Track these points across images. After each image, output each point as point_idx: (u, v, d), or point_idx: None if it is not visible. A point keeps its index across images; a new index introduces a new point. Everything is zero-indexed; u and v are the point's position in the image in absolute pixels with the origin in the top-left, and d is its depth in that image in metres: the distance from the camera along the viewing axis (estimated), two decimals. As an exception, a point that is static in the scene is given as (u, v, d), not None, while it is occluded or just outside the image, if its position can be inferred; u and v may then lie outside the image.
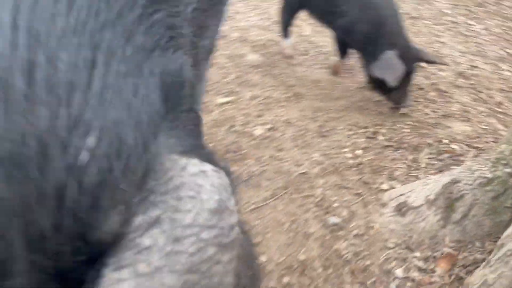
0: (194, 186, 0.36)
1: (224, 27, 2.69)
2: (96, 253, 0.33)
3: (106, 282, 0.32)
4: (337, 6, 2.16)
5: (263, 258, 1.38)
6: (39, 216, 0.31)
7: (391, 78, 1.92)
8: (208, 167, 0.39)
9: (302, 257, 1.40)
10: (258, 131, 1.93)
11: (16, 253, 0.31)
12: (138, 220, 0.34)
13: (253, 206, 1.56)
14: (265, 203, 1.58)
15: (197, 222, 0.35)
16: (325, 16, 2.30)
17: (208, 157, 0.46)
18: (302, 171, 1.74)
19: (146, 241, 0.33)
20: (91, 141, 0.32)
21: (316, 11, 2.35)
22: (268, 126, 1.97)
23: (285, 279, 1.33)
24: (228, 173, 0.43)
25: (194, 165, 0.38)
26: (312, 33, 3.04)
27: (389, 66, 1.96)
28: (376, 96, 2.21)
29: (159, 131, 0.38)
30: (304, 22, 3.04)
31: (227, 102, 2.10)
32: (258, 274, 0.58)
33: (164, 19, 0.46)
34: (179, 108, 0.46)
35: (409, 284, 1.34)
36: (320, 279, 1.34)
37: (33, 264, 0.31)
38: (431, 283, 1.33)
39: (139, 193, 0.35)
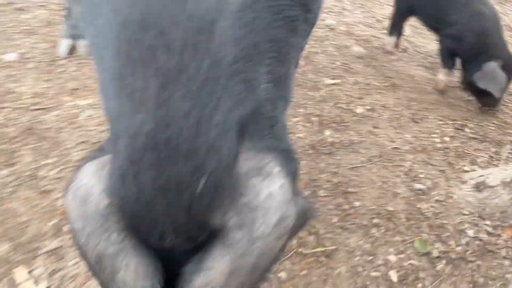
0: (265, 207, 0.61)
1: (333, 21, 3.06)
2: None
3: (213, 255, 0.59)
4: (447, 15, 2.42)
5: (357, 203, 1.75)
6: (178, 198, 0.56)
7: (496, 90, 2.14)
8: (276, 185, 0.62)
9: (389, 208, 1.75)
10: (359, 110, 2.29)
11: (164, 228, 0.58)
12: (232, 220, 0.61)
13: (351, 166, 1.93)
14: (362, 165, 1.94)
15: (266, 229, 0.63)
16: (435, 23, 2.57)
17: (282, 156, 0.69)
18: (395, 146, 2.08)
19: (238, 234, 0.62)
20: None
21: (426, 19, 2.62)
22: (368, 107, 2.32)
23: (375, 220, 1.69)
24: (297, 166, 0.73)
25: (266, 186, 0.61)
26: (412, 34, 3.31)
27: (493, 77, 2.18)
28: (467, 96, 2.46)
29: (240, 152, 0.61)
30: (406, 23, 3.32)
31: (333, 84, 2.48)
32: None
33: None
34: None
35: (477, 242, 1.64)
36: (402, 226, 1.69)
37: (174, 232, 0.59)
38: (496, 244, 1.63)
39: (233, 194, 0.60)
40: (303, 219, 0.79)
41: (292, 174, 0.74)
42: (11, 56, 2.07)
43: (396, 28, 2.85)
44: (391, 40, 2.89)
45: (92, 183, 0.66)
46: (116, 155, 0.62)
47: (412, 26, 3.47)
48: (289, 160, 0.75)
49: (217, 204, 0.64)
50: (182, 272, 0.68)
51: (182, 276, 0.68)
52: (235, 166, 0.64)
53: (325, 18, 3.21)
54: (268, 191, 0.64)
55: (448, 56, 2.53)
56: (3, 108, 1.86)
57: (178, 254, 0.68)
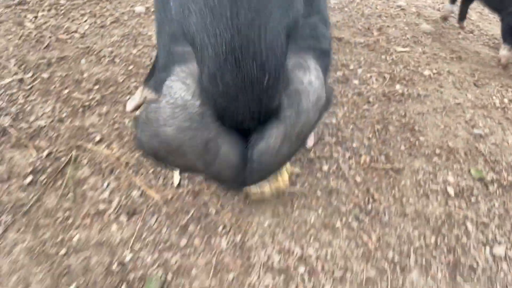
0: (306, 91, 0.88)
1: (404, 3, 3.37)
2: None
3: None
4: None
5: (422, 138, 2.07)
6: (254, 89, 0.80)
7: None
8: (313, 76, 0.86)
9: (450, 144, 2.06)
10: (426, 72, 2.59)
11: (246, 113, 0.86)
12: (284, 102, 0.89)
13: (418, 112, 2.25)
14: (427, 112, 2.26)
15: (307, 106, 0.95)
16: (496, 4, 2.82)
17: (318, 54, 0.89)
18: (457, 102, 2.37)
19: (288, 111, 0.93)
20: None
21: (489, 1, 2.88)
22: (434, 71, 2.62)
23: (437, 151, 2.01)
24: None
25: (307, 77, 0.86)
26: (478, 19, 3.54)
27: None
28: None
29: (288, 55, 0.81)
30: (473, 11, 3.56)
31: (404, 51, 2.79)
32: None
33: None
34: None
35: (527, 175, 1.92)
36: (461, 158, 2.00)
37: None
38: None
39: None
40: (330, 100, 1.14)
41: (325, 67, 1.03)
42: (139, 9, 2.57)
43: (462, 12, 3.12)
44: (450, 7, 3.17)
45: (183, 92, 0.89)
46: (204, 64, 0.82)
47: (479, 13, 3.70)
48: (323, 57, 1.01)
49: (276, 92, 0.90)
50: (249, 142, 0.96)
51: (249, 144, 0.96)
52: (285, 63, 0.86)
53: (397, 0, 3.52)
54: (308, 80, 0.91)
55: (510, 33, 2.77)
56: (136, 45, 2.34)
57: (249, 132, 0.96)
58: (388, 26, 3.04)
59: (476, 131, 2.15)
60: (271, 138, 0.97)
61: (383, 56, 2.66)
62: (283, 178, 1.53)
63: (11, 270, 1.29)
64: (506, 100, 2.42)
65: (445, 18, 3.24)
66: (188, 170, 1.07)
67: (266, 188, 1.51)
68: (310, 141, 1.86)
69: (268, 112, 0.95)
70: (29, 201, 1.46)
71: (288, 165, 1.56)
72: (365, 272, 1.50)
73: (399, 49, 2.79)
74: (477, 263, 1.58)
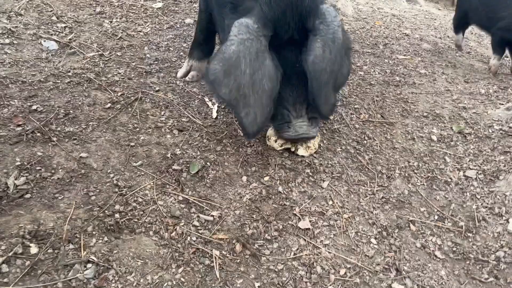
0: (333, 16, 1.68)
1: (409, 31, 3.97)
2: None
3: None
4: (497, 13, 3.23)
5: (413, 107, 2.54)
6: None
7: None
8: (334, 11, 1.68)
9: (437, 111, 2.51)
10: (423, 71, 3.10)
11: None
12: (318, 23, 1.67)
13: (411, 93, 2.74)
14: (420, 93, 2.74)
15: (334, 24, 1.68)
16: (486, 23, 3.38)
17: None
18: (448, 89, 2.85)
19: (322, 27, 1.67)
20: None
21: (480, 20, 3.45)
22: (430, 71, 3.13)
23: (425, 114, 2.47)
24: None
25: (335, 13, 1.68)
26: (476, 46, 4.09)
27: None
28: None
29: None
30: (472, 40, 4.12)
31: (405, 58, 3.34)
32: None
33: None
34: None
35: (500, 132, 2.34)
36: (446, 120, 2.44)
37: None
38: (514, 131, 2.31)
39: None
40: (351, 43, 1.76)
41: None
42: (188, 20, 3.27)
43: (458, 30, 3.67)
44: (459, 37, 3.71)
45: (246, 20, 1.60)
46: (261, 7, 1.61)
47: (477, 42, 4.25)
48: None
49: (312, 12, 1.61)
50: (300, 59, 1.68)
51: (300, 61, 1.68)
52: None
53: (403, 29, 4.14)
54: (337, 16, 1.65)
55: (499, 45, 3.29)
56: (186, 42, 2.99)
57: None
58: (393, 44, 3.62)
59: (460, 105, 2.61)
60: (316, 49, 1.64)
61: (386, 60, 3.21)
62: (314, 144, 1.98)
63: (97, 150, 1.81)
64: (490, 91, 2.88)
65: (459, 47, 3.77)
66: (235, 92, 1.65)
67: (304, 148, 1.96)
68: None
69: (307, 28, 1.64)
70: (109, 116, 2.02)
71: (318, 135, 2.02)
72: (358, 177, 1.93)
73: (401, 57, 3.34)
74: (451, 179, 1.98)
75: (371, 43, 3.54)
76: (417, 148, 2.17)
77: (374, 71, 2.97)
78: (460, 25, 3.67)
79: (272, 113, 1.71)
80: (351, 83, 2.72)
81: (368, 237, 1.63)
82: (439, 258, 1.59)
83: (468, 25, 3.69)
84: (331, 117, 2.09)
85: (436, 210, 1.81)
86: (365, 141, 2.16)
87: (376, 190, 1.86)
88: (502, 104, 2.65)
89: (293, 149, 1.93)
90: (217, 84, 1.67)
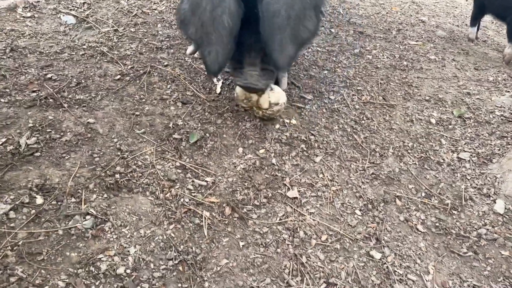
0: None
1: (426, 18, 3.95)
2: None
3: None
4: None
5: (416, 90, 2.57)
6: None
7: None
8: None
9: (440, 96, 2.54)
10: (433, 57, 3.11)
11: None
12: None
13: (416, 77, 2.76)
14: (426, 78, 2.76)
15: None
16: (502, 12, 3.33)
17: None
18: (455, 75, 2.85)
19: None
20: None
21: (496, 10, 3.40)
22: (440, 57, 3.13)
23: (427, 98, 2.50)
24: None
25: None
26: (493, 34, 4.03)
27: None
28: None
29: None
30: (490, 29, 4.06)
31: (416, 44, 3.34)
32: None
33: None
34: None
35: (501, 118, 2.35)
36: (447, 105, 2.46)
37: None
38: (515, 117, 2.32)
39: None
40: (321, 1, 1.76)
41: None
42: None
43: (476, 21, 3.63)
44: (473, 30, 3.67)
45: None
46: None
47: (496, 31, 4.19)
48: None
49: None
50: None
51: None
52: None
53: (420, 16, 4.11)
54: None
55: None
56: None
57: None
58: (406, 30, 3.62)
59: (465, 91, 2.62)
60: None
61: (397, 45, 3.23)
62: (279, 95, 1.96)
63: (104, 117, 1.93)
64: (499, 78, 2.87)
65: (471, 40, 3.73)
66: (199, 30, 1.69)
67: (281, 100, 1.96)
68: (283, 85, 2.22)
69: None
70: (117, 87, 2.14)
71: (277, 87, 2.01)
72: (351, 154, 2.00)
73: (412, 42, 3.35)
74: (444, 160, 2.03)
75: (384, 28, 3.55)
76: (414, 130, 2.21)
77: (383, 55, 3.00)
78: (477, 17, 3.63)
79: (232, 53, 1.67)
80: (358, 66, 2.77)
81: (353, 208, 1.71)
82: (420, 231, 1.66)
83: (483, 16, 3.64)
84: (287, 72, 1.97)
85: (424, 188, 1.86)
86: (363, 121, 2.22)
87: (367, 167, 1.92)
88: (509, 91, 2.65)
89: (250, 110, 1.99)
90: (186, 24, 1.72)
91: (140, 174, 1.68)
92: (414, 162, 1.99)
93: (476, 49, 3.46)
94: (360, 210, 1.71)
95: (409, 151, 2.06)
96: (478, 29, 3.70)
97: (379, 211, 1.71)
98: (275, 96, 1.91)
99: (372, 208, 1.72)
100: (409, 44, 3.30)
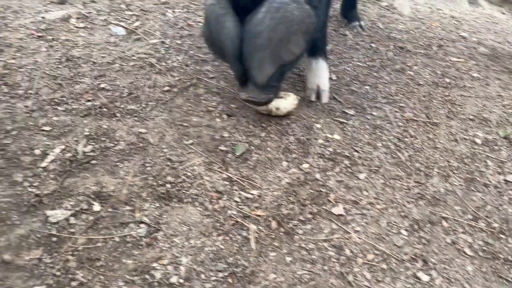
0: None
1: (467, 34, 3.90)
2: None
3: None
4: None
5: (460, 109, 2.54)
6: None
7: None
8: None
9: (485, 115, 2.50)
10: (475, 75, 3.07)
11: None
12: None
13: (459, 95, 2.73)
14: (469, 97, 2.73)
15: (286, 7, 1.73)
16: None
17: None
18: (499, 94, 2.81)
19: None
20: None
21: None
22: (483, 75, 3.09)
23: (472, 117, 2.47)
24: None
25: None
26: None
27: None
28: None
29: None
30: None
31: (458, 61, 3.30)
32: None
33: None
34: None
35: (550, 139, 2.30)
36: (492, 125, 2.43)
37: None
38: None
39: None
40: (310, 18, 1.81)
41: None
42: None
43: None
44: None
45: None
46: None
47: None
48: None
49: None
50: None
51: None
52: None
53: (461, 32, 4.06)
54: None
55: None
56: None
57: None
58: (447, 46, 3.58)
59: (510, 111, 2.58)
60: (258, 13, 1.71)
61: (438, 62, 3.20)
62: (290, 101, 2.13)
63: (154, 127, 2.00)
64: (546, 98, 2.80)
65: None
66: (214, 49, 2.00)
67: (279, 106, 2.11)
68: (325, 98, 2.37)
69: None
70: (166, 98, 2.21)
71: (292, 95, 2.18)
72: (396, 172, 2.00)
73: (454, 59, 3.31)
74: (490, 182, 2.00)
75: (425, 43, 3.52)
76: (459, 149, 2.19)
77: (424, 71, 2.98)
78: None
79: (241, 70, 1.87)
80: (399, 82, 2.76)
81: (399, 228, 1.71)
82: (468, 255, 1.64)
83: None
84: (275, 93, 2.05)
85: (471, 210, 1.84)
86: (406, 139, 2.21)
87: (412, 186, 1.92)
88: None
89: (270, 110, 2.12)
90: (206, 41, 2.04)
91: (189, 185, 1.73)
92: (460, 183, 1.98)
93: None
94: (406, 230, 1.70)
95: (455, 171, 2.04)
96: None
97: (426, 232, 1.71)
98: (283, 103, 2.11)
99: (418, 228, 1.72)
100: (450, 60, 3.27)
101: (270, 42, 1.74)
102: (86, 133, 1.85)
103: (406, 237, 1.67)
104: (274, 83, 1.92)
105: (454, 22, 4.32)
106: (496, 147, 2.22)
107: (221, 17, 1.82)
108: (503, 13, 5.44)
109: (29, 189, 1.56)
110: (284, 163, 1.92)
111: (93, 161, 1.74)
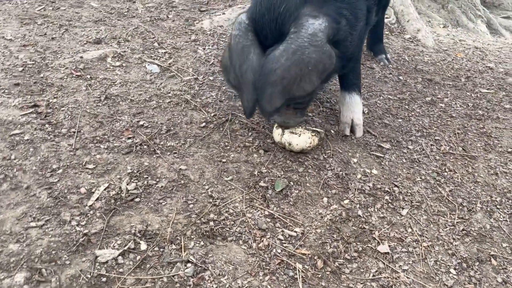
0: (307, 24, 1.75)
1: (493, 65, 3.89)
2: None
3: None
4: None
5: (496, 141, 2.51)
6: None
7: None
8: (317, 23, 1.73)
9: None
10: (508, 106, 3.05)
11: None
12: (292, 29, 1.77)
13: (494, 127, 2.70)
14: (504, 128, 2.70)
15: (306, 32, 1.74)
16: None
17: (329, 18, 1.76)
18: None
19: (293, 34, 1.77)
20: None
21: None
22: (515, 106, 3.06)
23: (510, 150, 2.43)
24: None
25: (314, 19, 1.74)
26: None
27: None
28: None
29: (305, 5, 1.76)
30: None
31: (488, 92, 3.29)
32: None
33: None
34: None
35: None
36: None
37: None
38: None
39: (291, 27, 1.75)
40: (329, 59, 1.81)
41: (332, 29, 1.79)
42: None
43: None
44: None
45: (241, 16, 1.87)
46: (254, 5, 1.82)
47: None
48: (334, 22, 1.79)
49: (289, 21, 1.74)
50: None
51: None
52: (299, 11, 1.72)
53: (486, 62, 4.06)
54: (312, 22, 1.71)
55: None
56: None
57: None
58: (475, 77, 3.58)
59: (548, 142, 2.53)
60: (274, 51, 1.78)
61: (468, 93, 3.19)
62: (303, 139, 2.11)
63: (194, 163, 2.02)
64: None
65: None
66: (235, 80, 1.95)
67: (291, 141, 2.12)
68: (359, 132, 2.38)
69: (282, 33, 1.77)
70: (203, 134, 2.24)
71: (309, 133, 2.15)
72: (438, 207, 1.97)
73: (484, 90, 3.30)
74: (537, 217, 1.95)
75: (453, 75, 3.53)
76: (500, 183, 2.15)
77: (456, 103, 2.97)
78: None
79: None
80: (431, 114, 2.75)
81: (448, 267, 1.66)
82: (522, 295, 1.58)
83: None
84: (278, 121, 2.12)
85: (519, 247, 1.79)
86: (445, 173, 2.19)
87: (457, 222, 1.88)
88: None
89: (284, 144, 2.14)
90: (226, 71, 2.01)
91: (232, 222, 1.73)
92: (505, 219, 1.93)
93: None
94: (454, 269, 1.66)
95: (498, 206, 2.00)
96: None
97: (475, 270, 1.66)
98: (296, 140, 2.12)
99: (467, 267, 1.67)
100: (480, 92, 3.26)
101: (283, 80, 1.77)
102: (128, 171, 1.88)
103: (455, 276, 1.62)
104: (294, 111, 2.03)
105: (479, 52, 4.33)
106: (539, 181, 2.17)
107: (247, 48, 1.84)
108: (526, 43, 5.43)
109: (77, 228, 1.58)
110: (325, 199, 1.91)
111: (137, 199, 1.75)
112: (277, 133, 2.15)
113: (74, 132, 2.08)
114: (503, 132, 2.63)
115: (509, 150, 2.43)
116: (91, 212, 1.66)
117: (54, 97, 2.33)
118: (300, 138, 2.11)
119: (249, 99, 1.88)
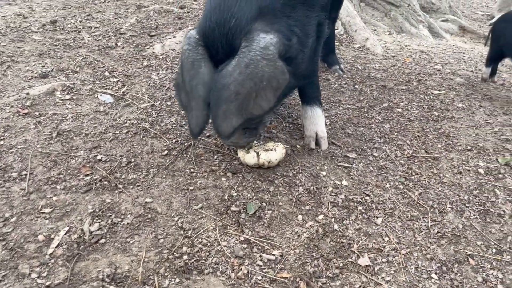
0: (258, 39, 1.65)
1: (440, 66, 4.05)
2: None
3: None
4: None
5: (455, 141, 2.58)
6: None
7: None
8: (268, 37, 1.66)
9: (480, 144, 2.55)
10: (460, 105, 3.16)
11: None
12: (243, 43, 1.68)
13: (451, 127, 2.78)
14: (460, 127, 2.79)
15: (257, 47, 1.69)
16: None
17: (281, 34, 1.70)
18: (488, 122, 2.88)
19: (244, 49, 1.70)
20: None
21: None
22: (467, 104, 3.18)
23: (469, 148, 2.50)
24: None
25: (263, 38, 1.65)
26: (508, 77, 4.13)
27: None
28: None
29: (256, 21, 1.69)
30: (505, 72, 4.16)
31: (440, 93, 3.40)
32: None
33: None
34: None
35: (548, 161, 2.34)
36: (490, 153, 2.46)
37: None
38: None
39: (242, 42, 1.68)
40: (282, 75, 1.75)
41: (284, 46, 1.70)
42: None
43: (490, 63, 3.73)
44: (487, 70, 3.76)
45: (193, 33, 1.81)
46: (204, 20, 1.74)
47: (510, 73, 4.29)
48: (285, 38, 1.71)
49: (240, 36, 1.68)
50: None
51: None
52: (250, 26, 1.66)
53: (434, 65, 4.22)
54: (263, 37, 1.64)
55: None
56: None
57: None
58: (426, 80, 3.70)
59: (503, 137, 2.63)
60: (227, 66, 1.70)
61: (421, 96, 3.29)
62: (279, 152, 2.13)
63: (159, 194, 1.93)
64: (530, 121, 2.89)
65: (484, 80, 3.82)
66: (185, 97, 1.86)
67: (270, 159, 2.11)
68: (325, 145, 2.38)
69: (233, 48, 1.68)
70: (167, 163, 2.14)
71: (280, 145, 2.17)
72: (411, 212, 1.97)
73: (436, 92, 3.41)
74: (504, 211, 2.00)
75: (405, 80, 3.63)
76: (466, 181, 2.20)
77: (411, 107, 3.05)
78: (493, 59, 3.72)
79: (209, 117, 1.79)
80: (390, 120, 2.80)
81: (429, 272, 1.65)
82: (503, 292, 1.59)
83: (502, 59, 3.74)
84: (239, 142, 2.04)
85: (493, 243, 1.81)
86: (412, 177, 2.21)
87: (431, 225, 1.88)
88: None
89: (263, 164, 2.11)
90: (178, 89, 1.93)
91: (207, 253, 1.64)
92: (475, 216, 1.96)
93: (498, 93, 3.52)
94: (435, 273, 1.65)
95: (467, 204, 2.03)
96: (495, 73, 3.78)
97: (455, 273, 1.66)
98: (273, 155, 2.12)
99: (447, 270, 1.67)
100: (433, 93, 3.37)
101: (237, 96, 1.69)
102: (90, 211, 1.75)
103: (438, 281, 1.61)
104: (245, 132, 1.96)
105: (425, 56, 4.50)
106: (500, 175, 2.24)
107: (197, 62, 1.76)
108: (466, 43, 5.74)
109: (39, 281, 1.44)
110: (299, 217, 1.87)
111: (102, 240, 1.63)
112: (250, 156, 2.09)
113: (26, 175, 1.93)
114: (460, 130, 2.71)
115: (468, 147, 2.50)
116: (52, 260, 1.53)
117: (1, 139, 2.17)
118: (277, 152, 2.11)
119: (198, 115, 1.76)
